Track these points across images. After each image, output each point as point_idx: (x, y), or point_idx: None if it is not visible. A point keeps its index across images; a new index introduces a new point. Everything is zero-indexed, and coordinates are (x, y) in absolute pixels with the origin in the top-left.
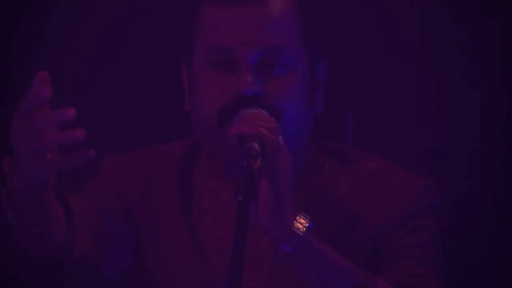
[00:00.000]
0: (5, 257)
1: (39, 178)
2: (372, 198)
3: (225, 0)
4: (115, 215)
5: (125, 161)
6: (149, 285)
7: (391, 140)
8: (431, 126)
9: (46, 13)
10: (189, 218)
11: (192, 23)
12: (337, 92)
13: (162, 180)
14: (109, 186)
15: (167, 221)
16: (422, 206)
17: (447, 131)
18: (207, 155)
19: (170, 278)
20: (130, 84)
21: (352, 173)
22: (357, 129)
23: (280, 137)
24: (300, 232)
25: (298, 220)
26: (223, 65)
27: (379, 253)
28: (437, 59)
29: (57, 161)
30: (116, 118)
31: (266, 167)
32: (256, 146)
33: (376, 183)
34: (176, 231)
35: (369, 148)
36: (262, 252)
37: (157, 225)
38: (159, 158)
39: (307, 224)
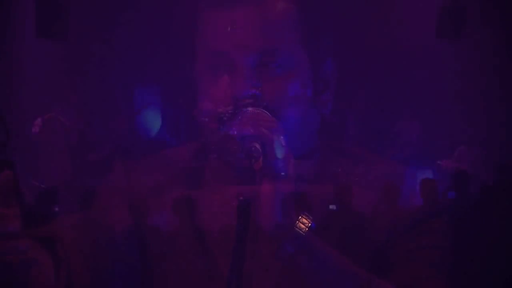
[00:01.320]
0: None
1: None
2: (380, 201)
3: (222, 4)
4: (123, 229)
5: (133, 168)
6: None
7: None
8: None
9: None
10: (199, 224)
11: (191, 28)
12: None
13: (171, 186)
14: (117, 195)
15: (176, 227)
16: (430, 208)
17: (449, 130)
18: (214, 159)
19: (178, 285)
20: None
21: (360, 176)
22: (357, 129)
23: (281, 137)
24: (302, 232)
25: (301, 220)
26: (221, 69)
27: (385, 256)
28: (437, 57)
29: None
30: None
31: (267, 167)
32: (257, 146)
33: (383, 185)
34: (185, 237)
35: (370, 148)
36: (272, 257)
37: (166, 232)
38: (168, 163)
39: (310, 224)
